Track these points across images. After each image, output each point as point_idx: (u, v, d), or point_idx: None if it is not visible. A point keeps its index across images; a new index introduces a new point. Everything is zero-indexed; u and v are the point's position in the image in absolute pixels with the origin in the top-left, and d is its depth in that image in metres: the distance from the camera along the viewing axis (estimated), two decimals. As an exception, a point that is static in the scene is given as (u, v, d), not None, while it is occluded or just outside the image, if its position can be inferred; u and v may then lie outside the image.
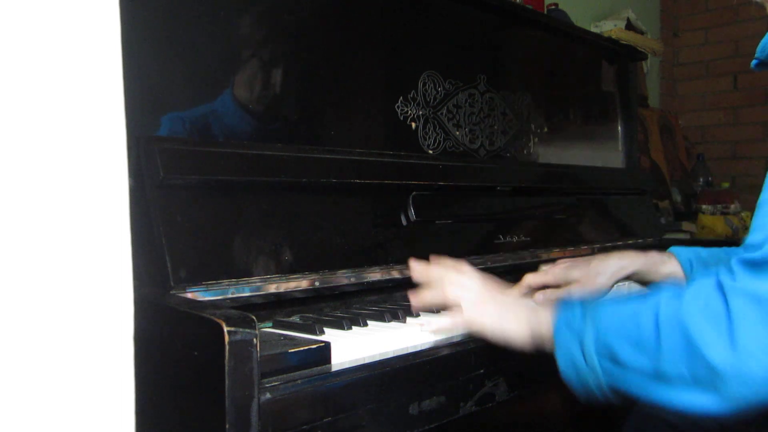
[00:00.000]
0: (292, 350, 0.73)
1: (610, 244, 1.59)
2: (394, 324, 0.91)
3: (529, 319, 0.82)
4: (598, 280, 1.08)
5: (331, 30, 1.14)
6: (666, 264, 1.14)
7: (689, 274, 1.11)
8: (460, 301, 0.85)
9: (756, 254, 0.65)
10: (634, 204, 1.80)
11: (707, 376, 0.64)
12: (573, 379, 0.76)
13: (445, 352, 0.85)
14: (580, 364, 0.74)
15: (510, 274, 1.37)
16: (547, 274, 1.10)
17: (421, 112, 1.28)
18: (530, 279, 1.08)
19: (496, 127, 1.46)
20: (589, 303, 0.77)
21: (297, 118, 1.08)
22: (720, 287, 0.66)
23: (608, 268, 1.10)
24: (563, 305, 0.79)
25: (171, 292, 0.81)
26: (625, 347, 0.69)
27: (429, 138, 1.29)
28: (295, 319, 0.97)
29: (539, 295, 1.06)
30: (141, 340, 0.64)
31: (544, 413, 1.79)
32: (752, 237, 0.68)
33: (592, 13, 2.85)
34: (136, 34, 0.87)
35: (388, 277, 1.08)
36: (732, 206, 2.63)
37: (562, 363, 0.77)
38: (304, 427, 0.68)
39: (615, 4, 2.93)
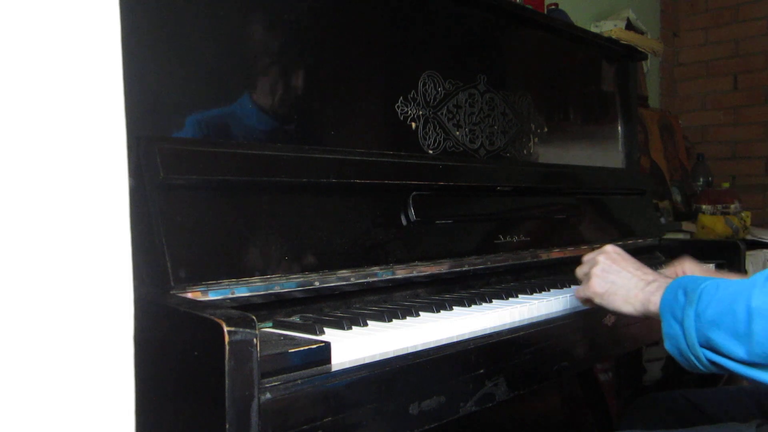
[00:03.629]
0: (293, 350, 0.73)
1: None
2: (394, 324, 0.91)
3: (640, 301, 0.94)
4: None
5: (331, 30, 1.14)
6: None
7: None
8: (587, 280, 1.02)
9: None
10: (634, 204, 1.80)
11: None
12: (678, 357, 0.85)
13: (445, 352, 0.85)
14: (684, 349, 0.82)
15: (510, 274, 1.37)
16: None
17: (421, 112, 1.28)
18: None
19: (496, 127, 1.46)
20: (693, 288, 0.83)
21: (297, 118, 1.08)
22: None
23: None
24: (669, 288, 0.88)
25: (171, 292, 0.81)
26: (722, 336, 0.76)
27: (429, 138, 1.29)
28: (295, 319, 0.97)
29: None
30: (141, 340, 0.64)
31: (544, 413, 1.79)
32: None
33: (592, 13, 2.85)
34: (137, 35, 0.87)
35: (388, 277, 1.08)
36: (732, 206, 2.62)
37: (668, 345, 0.86)
38: (305, 427, 0.68)
39: (615, 4, 2.94)
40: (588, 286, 1.00)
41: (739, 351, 0.75)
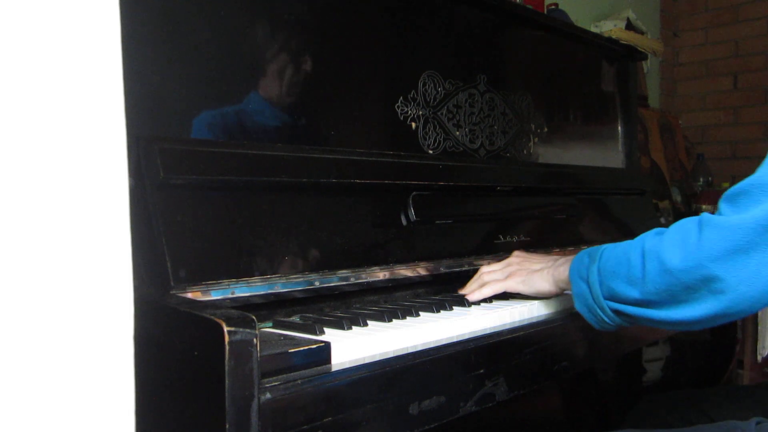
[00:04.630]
0: (292, 350, 0.73)
1: (610, 244, 1.59)
2: (394, 324, 0.91)
3: (552, 275, 1.04)
4: None
5: (331, 30, 1.14)
6: None
7: None
8: (496, 277, 1.11)
9: (730, 190, 0.80)
10: (634, 204, 1.80)
11: (680, 292, 0.78)
12: (587, 315, 0.92)
13: (445, 352, 0.85)
14: (590, 301, 0.90)
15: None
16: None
17: (421, 112, 1.28)
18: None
19: (496, 127, 1.46)
20: (595, 250, 0.92)
21: (297, 118, 1.08)
22: (700, 220, 0.79)
23: None
24: (576, 257, 0.96)
25: (171, 292, 0.81)
26: (619, 284, 0.85)
27: (429, 138, 1.29)
28: (295, 319, 0.97)
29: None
30: (141, 340, 0.64)
31: (544, 413, 1.79)
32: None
33: (592, 13, 2.85)
34: (137, 35, 0.87)
35: (388, 277, 1.08)
36: (732, 206, 2.61)
37: (578, 305, 0.94)
38: (305, 427, 0.68)
39: (615, 4, 2.94)
40: (510, 278, 1.09)
41: (634, 293, 0.83)
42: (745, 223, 0.74)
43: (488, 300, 1.10)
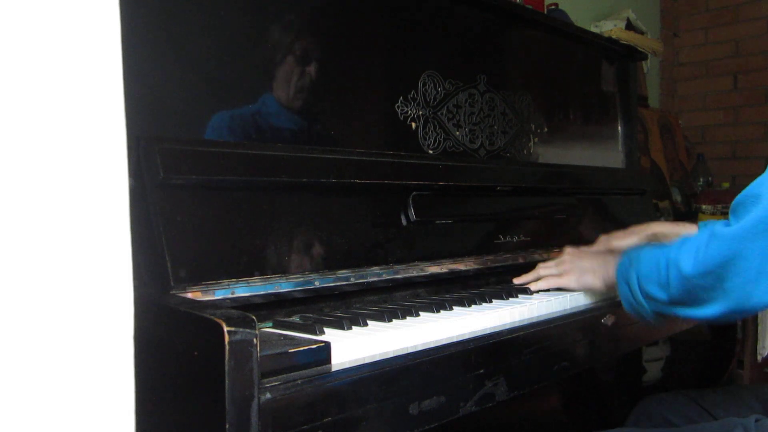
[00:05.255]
0: (292, 350, 0.73)
1: (610, 244, 1.59)
2: (394, 324, 0.91)
3: (602, 276, 1.16)
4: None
5: (331, 30, 1.14)
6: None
7: None
8: (552, 273, 1.24)
9: (734, 200, 0.89)
10: (634, 204, 1.80)
11: (699, 293, 0.90)
12: (630, 311, 1.04)
13: (445, 352, 0.85)
14: (632, 300, 1.02)
15: (510, 274, 1.37)
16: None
17: (421, 112, 1.28)
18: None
19: (496, 127, 1.46)
20: (634, 253, 1.04)
21: (297, 118, 1.08)
22: (711, 231, 0.89)
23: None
24: (620, 257, 1.08)
25: (171, 292, 0.81)
26: (653, 287, 0.96)
27: (429, 138, 1.29)
28: (295, 319, 0.97)
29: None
30: (141, 340, 0.64)
31: (544, 413, 1.79)
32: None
33: (592, 13, 2.85)
34: (137, 35, 0.87)
35: (388, 277, 1.08)
36: (732, 206, 2.61)
37: (625, 304, 1.05)
38: (305, 427, 0.68)
39: (615, 4, 2.93)
40: (564, 276, 1.21)
41: (664, 295, 0.95)
42: (739, 232, 0.85)
43: (488, 300, 1.10)
